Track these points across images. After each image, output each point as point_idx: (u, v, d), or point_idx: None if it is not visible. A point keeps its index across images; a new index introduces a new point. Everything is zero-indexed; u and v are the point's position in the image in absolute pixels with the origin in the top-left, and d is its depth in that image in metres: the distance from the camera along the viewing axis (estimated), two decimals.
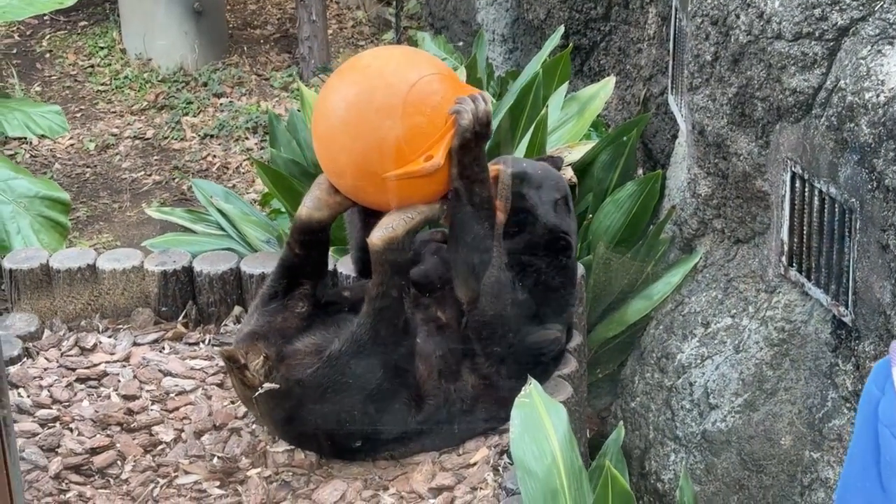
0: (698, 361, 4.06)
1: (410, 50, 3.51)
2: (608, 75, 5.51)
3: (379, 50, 3.49)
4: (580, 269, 3.83)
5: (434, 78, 3.23)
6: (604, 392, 4.57)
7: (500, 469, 3.33)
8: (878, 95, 3.39)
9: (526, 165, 3.59)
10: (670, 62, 4.91)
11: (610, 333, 4.42)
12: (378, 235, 3.24)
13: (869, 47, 3.48)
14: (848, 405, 3.59)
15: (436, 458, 3.43)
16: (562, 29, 5.34)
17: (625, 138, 4.80)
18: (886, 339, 3.41)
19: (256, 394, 3.33)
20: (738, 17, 3.86)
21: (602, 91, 4.94)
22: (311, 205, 3.40)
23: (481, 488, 3.28)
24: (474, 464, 3.38)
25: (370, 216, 3.37)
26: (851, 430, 3.56)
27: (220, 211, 4.78)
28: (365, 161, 3.20)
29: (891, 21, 3.47)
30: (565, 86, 5.00)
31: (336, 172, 3.31)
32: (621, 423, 3.76)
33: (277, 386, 3.31)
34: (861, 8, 3.54)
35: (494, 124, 4.77)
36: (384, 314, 3.28)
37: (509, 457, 3.32)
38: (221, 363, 3.75)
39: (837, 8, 3.57)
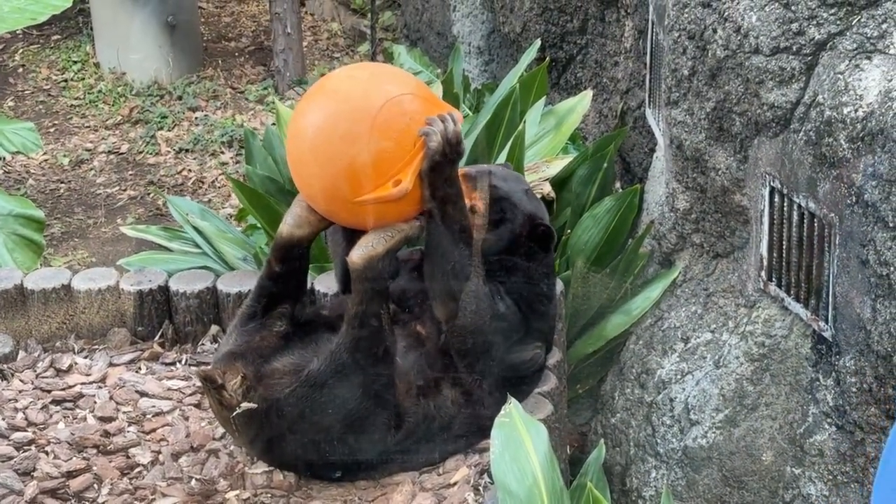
0: (678, 377, 4.04)
1: (382, 69, 3.47)
2: (585, 88, 5.50)
3: (348, 70, 3.45)
4: (559, 285, 3.82)
5: (403, 99, 3.19)
6: (584, 408, 4.55)
7: (481, 489, 3.31)
8: (856, 110, 3.38)
9: (486, 165, 3.59)
10: (647, 76, 4.91)
11: (589, 349, 4.40)
12: (358, 254, 3.23)
13: (847, 62, 3.47)
14: (829, 420, 3.59)
15: (416, 478, 3.40)
16: (538, 42, 5.33)
17: (602, 154, 4.80)
18: (867, 354, 3.40)
19: (234, 414, 3.30)
20: (715, 31, 3.85)
21: (579, 105, 4.93)
22: (292, 222, 3.39)
23: None
24: (454, 484, 3.35)
25: (354, 234, 3.35)
26: (833, 446, 3.56)
27: (196, 228, 4.75)
28: (334, 187, 3.18)
29: (868, 35, 3.47)
30: (542, 100, 4.99)
31: (309, 196, 3.30)
32: (602, 441, 3.75)
33: (255, 406, 3.29)
34: (838, 23, 3.53)
35: (472, 139, 4.78)
36: (364, 333, 3.26)
37: (490, 476, 3.30)
38: (199, 383, 3.72)
39: (815, 23, 3.56)
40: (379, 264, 3.23)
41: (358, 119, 3.14)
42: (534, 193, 3.65)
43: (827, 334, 3.61)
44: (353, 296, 3.28)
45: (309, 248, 3.45)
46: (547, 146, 4.85)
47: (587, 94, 5.01)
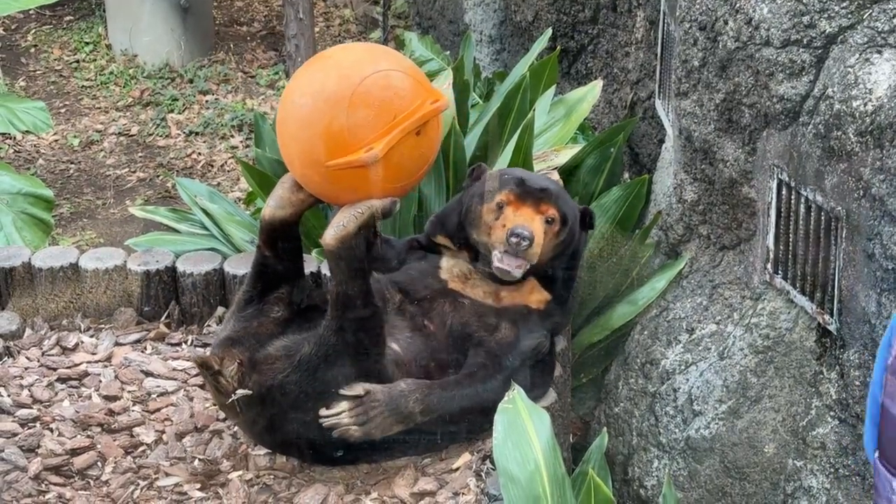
0: (682, 368, 4.05)
1: (378, 47, 3.53)
2: (595, 78, 5.49)
3: (347, 45, 3.54)
4: None
5: (392, 74, 3.25)
6: (587, 397, 4.56)
7: (483, 474, 3.32)
8: (865, 104, 3.38)
9: (517, 172, 3.57)
10: (658, 67, 4.91)
11: (594, 338, 4.40)
12: (331, 234, 3.23)
13: (857, 55, 3.47)
14: (832, 413, 3.59)
15: (418, 462, 3.41)
16: (549, 31, 5.33)
17: (611, 144, 4.80)
18: (871, 348, 3.41)
19: (229, 400, 3.31)
20: (726, 23, 3.85)
21: (589, 94, 4.93)
22: (274, 204, 3.41)
23: (464, 494, 3.27)
24: (457, 469, 3.37)
25: None
26: (835, 439, 3.56)
27: (204, 210, 4.76)
28: (311, 149, 3.23)
29: (879, 29, 3.47)
30: (552, 89, 4.99)
31: (287, 159, 3.36)
32: (605, 429, 3.76)
33: (250, 392, 3.29)
34: (849, 16, 3.53)
35: (482, 126, 4.79)
36: (348, 313, 3.25)
37: (492, 462, 3.31)
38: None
39: (826, 16, 3.56)
40: (352, 242, 3.23)
41: (343, 84, 3.21)
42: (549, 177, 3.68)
43: (832, 327, 3.61)
44: (332, 277, 3.28)
45: (297, 229, 3.47)
46: (556, 135, 4.85)
47: (597, 84, 5.01)
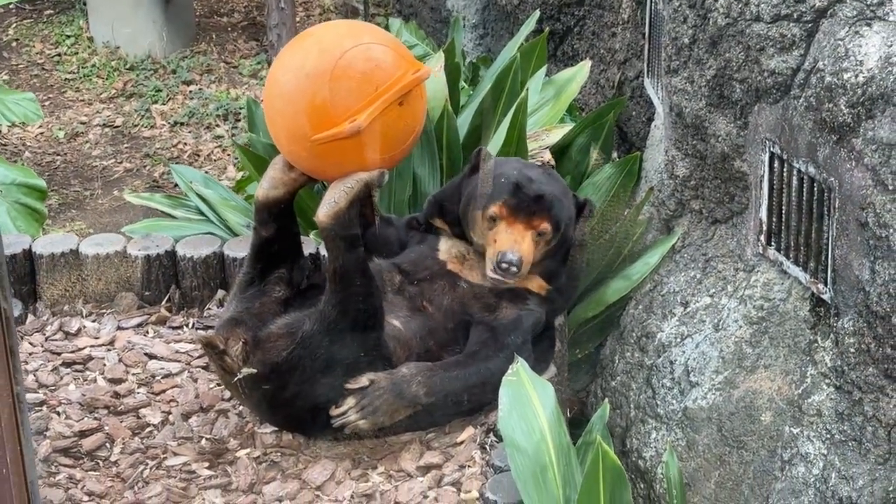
0: (678, 340, 4.10)
1: (359, 23, 3.61)
2: (582, 59, 5.53)
3: (329, 22, 3.61)
4: None
5: (373, 47, 3.32)
6: (582, 372, 4.61)
7: (488, 447, 3.37)
8: (856, 76, 3.44)
9: (514, 172, 3.59)
10: (646, 46, 4.95)
11: (589, 314, 4.45)
12: (323, 212, 3.29)
13: (847, 28, 3.53)
14: (827, 381, 3.65)
15: (423, 437, 3.46)
16: (537, 14, 5.37)
17: (602, 122, 4.84)
18: (865, 314, 3.47)
19: (234, 379, 3.35)
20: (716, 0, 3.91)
21: (578, 74, 4.98)
22: (267, 185, 3.47)
23: (469, 466, 3.32)
24: (461, 442, 3.41)
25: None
26: (831, 406, 3.62)
27: (200, 196, 4.79)
28: (295, 124, 3.29)
29: (868, 2, 3.52)
30: (543, 69, 5.04)
31: (275, 137, 3.43)
32: (606, 400, 3.80)
33: (255, 371, 3.33)
34: None
35: (473, 107, 4.83)
36: (346, 287, 3.30)
37: (496, 435, 3.36)
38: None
39: None
40: (345, 217, 3.29)
41: (324, 59, 3.27)
42: (541, 165, 3.72)
43: (826, 296, 3.67)
44: (328, 253, 3.35)
45: (291, 209, 3.52)
46: (547, 115, 4.89)
47: (586, 64, 5.05)
